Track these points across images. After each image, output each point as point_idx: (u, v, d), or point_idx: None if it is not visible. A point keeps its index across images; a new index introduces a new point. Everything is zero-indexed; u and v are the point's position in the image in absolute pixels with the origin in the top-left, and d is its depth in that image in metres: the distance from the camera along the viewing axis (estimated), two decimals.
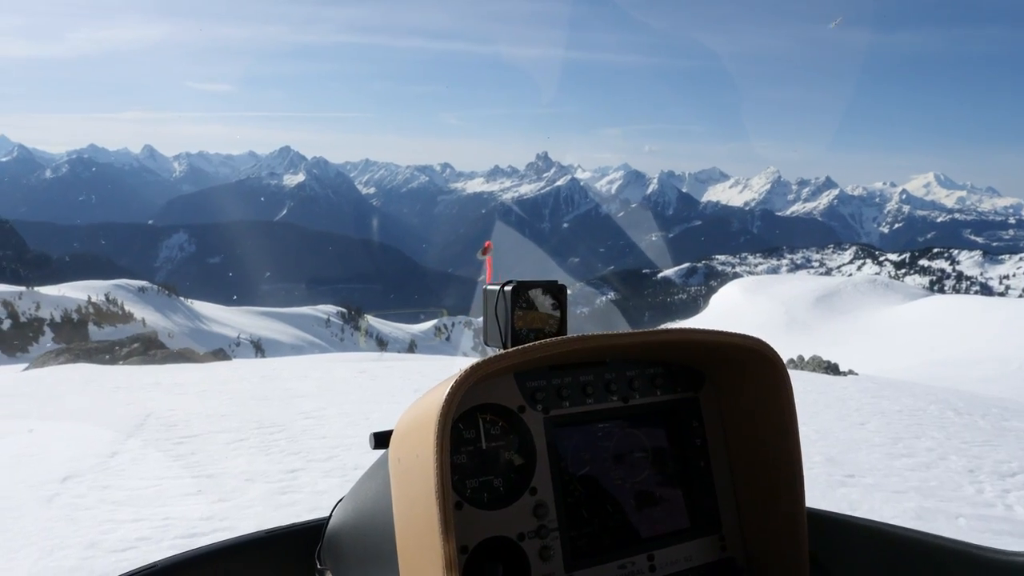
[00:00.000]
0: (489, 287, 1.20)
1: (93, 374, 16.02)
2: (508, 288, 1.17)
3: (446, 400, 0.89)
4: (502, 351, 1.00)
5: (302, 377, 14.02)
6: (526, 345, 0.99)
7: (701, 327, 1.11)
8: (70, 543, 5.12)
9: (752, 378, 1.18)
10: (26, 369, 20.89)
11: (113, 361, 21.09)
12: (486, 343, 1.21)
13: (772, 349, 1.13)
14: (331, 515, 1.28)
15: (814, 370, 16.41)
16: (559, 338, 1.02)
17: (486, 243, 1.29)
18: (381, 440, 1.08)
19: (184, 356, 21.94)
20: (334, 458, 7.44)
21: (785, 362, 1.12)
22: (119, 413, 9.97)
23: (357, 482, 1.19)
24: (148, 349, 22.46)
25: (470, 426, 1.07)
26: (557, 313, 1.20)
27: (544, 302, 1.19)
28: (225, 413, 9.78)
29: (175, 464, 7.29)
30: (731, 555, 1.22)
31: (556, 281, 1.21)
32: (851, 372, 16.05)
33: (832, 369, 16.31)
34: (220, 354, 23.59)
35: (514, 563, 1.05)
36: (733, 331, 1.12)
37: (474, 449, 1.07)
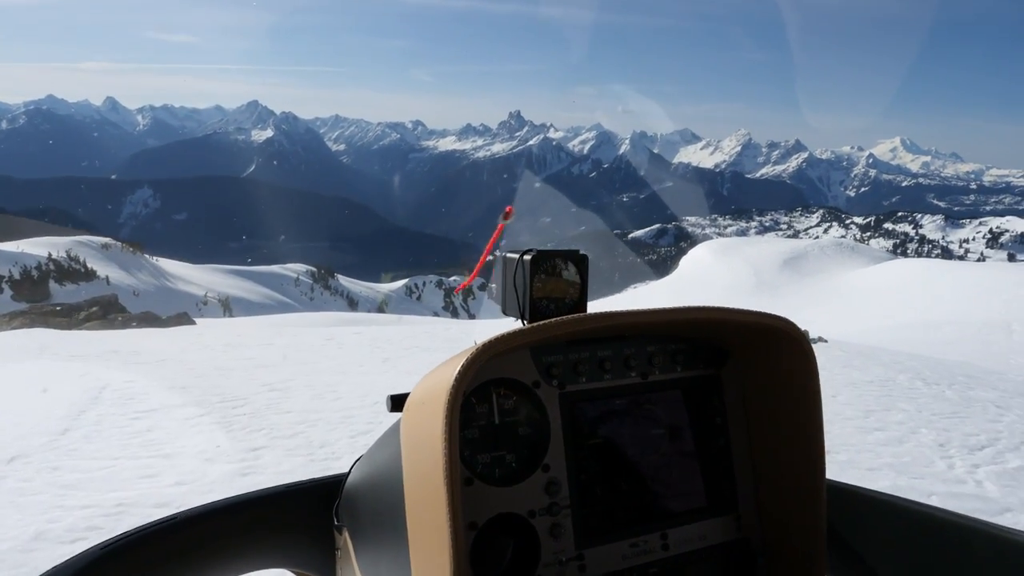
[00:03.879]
0: (508, 255, 1.16)
1: (49, 340, 15.53)
2: (527, 257, 1.13)
3: (457, 377, 0.88)
4: (519, 326, 0.98)
5: (267, 345, 13.71)
6: (544, 322, 0.97)
7: (726, 306, 1.09)
8: (13, 534, 4.84)
9: (777, 357, 1.16)
10: None
11: (71, 326, 20.42)
12: (504, 312, 1.17)
13: (798, 328, 1.11)
14: (349, 472, 1.28)
15: None
16: (578, 316, 0.99)
17: (508, 208, 1.23)
18: (398, 403, 1.06)
19: (146, 320, 21.33)
20: (299, 435, 7.21)
21: None
22: (73, 385, 9.60)
23: (375, 442, 1.16)
24: (108, 313, 21.79)
25: (483, 400, 1.05)
26: (577, 283, 1.17)
27: (565, 271, 1.16)
28: (185, 385, 9.47)
29: (131, 442, 7.00)
30: (746, 535, 1.21)
31: (578, 251, 1.17)
32: (821, 339, 16.10)
33: None
34: (184, 318, 23.02)
35: (525, 540, 1.04)
36: (758, 310, 1.09)
37: (486, 424, 1.05)
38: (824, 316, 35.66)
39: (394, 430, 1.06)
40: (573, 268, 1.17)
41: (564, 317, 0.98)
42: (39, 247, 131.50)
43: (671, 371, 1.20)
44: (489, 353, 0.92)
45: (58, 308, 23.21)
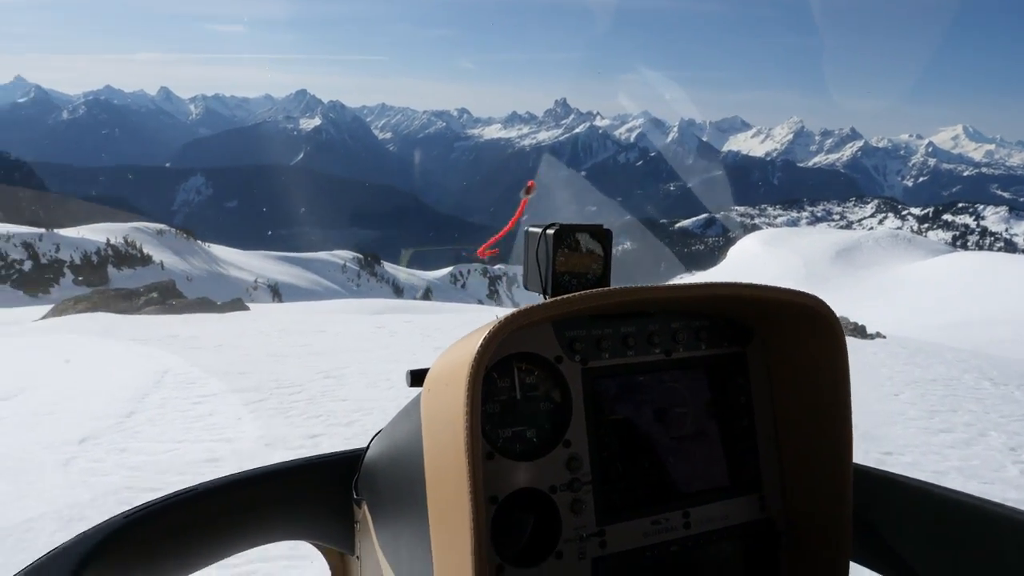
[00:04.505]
0: (531, 229, 1.16)
1: (111, 324, 15.93)
2: (551, 231, 1.13)
3: (478, 352, 0.88)
4: (541, 301, 0.97)
5: (319, 332, 13.86)
6: (566, 296, 0.96)
7: (752, 282, 1.07)
8: (87, 513, 4.99)
9: (804, 335, 1.14)
10: (44, 317, 20.85)
11: (131, 310, 20.98)
12: (526, 286, 1.17)
13: (827, 306, 1.09)
14: (368, 446, 1.28)
15: None
16: (601, 290, 0.98)
17: (529, 182, 1.22)
18: (417, 378, 1.05)
19: (201, 306, 21.81)
20: (355, 423, 7.27)
21: None
22: (137, 368, 9.85)
23: (395, 417, 1.16)
24: (166, 298, 22.36)
25: (504, 375, 1.04)
26: (601, 257, 1.16)
27: (588, 246, 1.15)
28: (243, 371, 9.63)
29: (193, 426, 7.15)
30: (770, 516, 1.20)
31: (601, 225, 1.16)
32: (879, 335, 15.72)
33: (859, 331, 15.97)
34: (238, 303, 23.45)
35: (545, 515, 1.04)
36: (786, 287, 1.08)
37: (508, 399, 1.04)
38: (879, 310, 34.81)
39: (414, 405, 1.06)
40: (597, 243, 1.16)
41: (588, 291, 0.98)
42: (98, 233, 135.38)
43: (695, 348, 1.19)
44: (511, 327, 0.92)
45: (119, 293, 23.85)
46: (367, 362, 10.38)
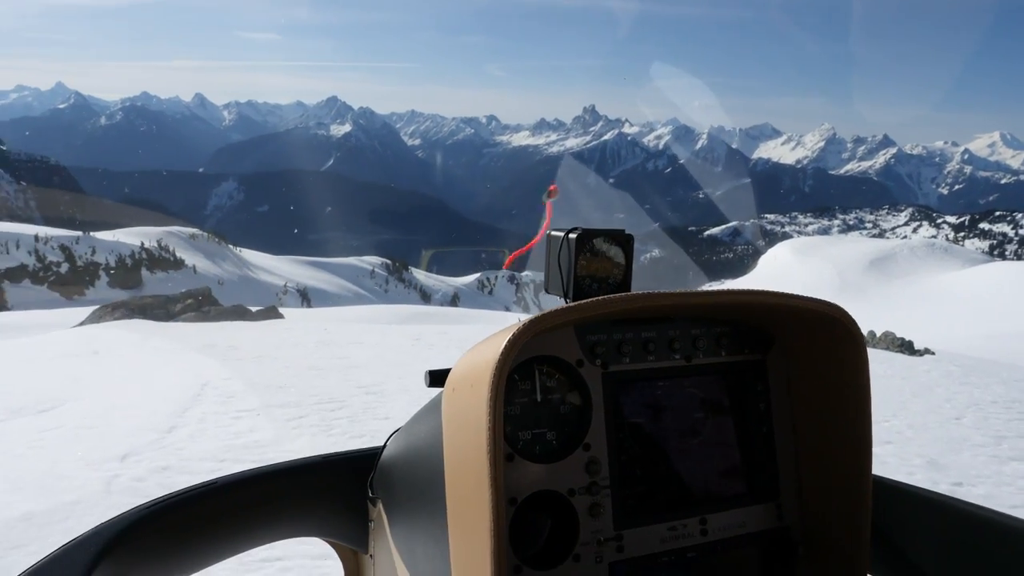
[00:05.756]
0: (553, 233, 1.17)
1: (149, 332, 15.94)
2: (573, 236, 1.14)
3: (502, 354, 0.88)
4: (563, 305, 0.97)
5: (357, 343, 13.74)
6: (589, 300, 0.96)
7: (774, 290, 1.07)
8: None
9: (825, 345, 1.14)
10: (82, 324, 21.01)
11: (168, 317, 21.11)
12: (547, 290, 1.18)
13: (850, 316, 1.09)
14: (385, 445, 1.29)
15: (888, 348, 15.60)
16: (624, 295, 0.99)
17: (551, 186, 1.23)
18: (437, 378, 1.06)
19: (236, 313, 21.88)
20: None
21: None
22: (176, 380, 9.76)
23: (413, 416, 1.17)
24: (202, 305, 22.51)
25: (526, 377, 1.05)
26: (622, 263, 1.17)
27: (610, 251, 1.16)
28: (282, 384, 9.50)
29: (234, 443, 6.99)
30: (787, 524, 1.19)
31: (623, 230, 1.18)
32: (927, 351, 15.22)
33: (907, 347, 15.48)
34: (272, 311, 23.49)
35: (563, 518, 1.04)
36: (808, 295, 1.08)
37: (528, 401, 1.05)
38: (917, 322, 34.00)
39: (434, 404, 1.07)
40: (618, 248, 1.17)
41: (610, 296, 0.98)
42: (133, 236, 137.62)
43: (715, 355, 1.19)
44: (534, 330, 0.92)
45: (156, 300, 24.02)
46: (407, 376, 10.20)
